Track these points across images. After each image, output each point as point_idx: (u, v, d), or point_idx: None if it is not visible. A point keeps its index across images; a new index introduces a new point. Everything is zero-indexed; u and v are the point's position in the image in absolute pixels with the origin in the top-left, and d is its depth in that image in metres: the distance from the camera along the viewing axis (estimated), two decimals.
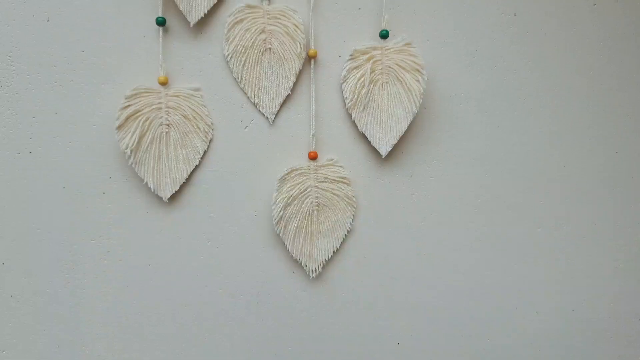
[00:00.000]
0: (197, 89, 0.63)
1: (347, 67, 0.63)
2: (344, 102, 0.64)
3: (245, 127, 0.64)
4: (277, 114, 0.64)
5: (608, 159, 0.69)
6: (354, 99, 0.63)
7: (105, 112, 0.62)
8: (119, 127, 0.60)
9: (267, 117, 0.64)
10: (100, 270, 0.63)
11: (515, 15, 0.66)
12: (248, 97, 0.64)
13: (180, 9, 0.60)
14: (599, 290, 0.70)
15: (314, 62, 0.64)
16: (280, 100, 0.64)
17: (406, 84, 0.63)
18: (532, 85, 0.67)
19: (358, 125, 0.63)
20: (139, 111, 0.61)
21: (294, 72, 0.63)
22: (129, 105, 0.61)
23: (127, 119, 0.60)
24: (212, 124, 0.64)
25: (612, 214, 0.70)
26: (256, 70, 0.63)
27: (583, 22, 0.67)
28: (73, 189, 0.62)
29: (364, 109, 0.63)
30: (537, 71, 0.67)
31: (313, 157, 0.64)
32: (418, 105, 0.62)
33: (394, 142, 0.63)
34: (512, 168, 0.68)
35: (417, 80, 0.62)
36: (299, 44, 0.62)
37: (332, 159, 0.65)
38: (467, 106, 0.66)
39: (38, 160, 0.62)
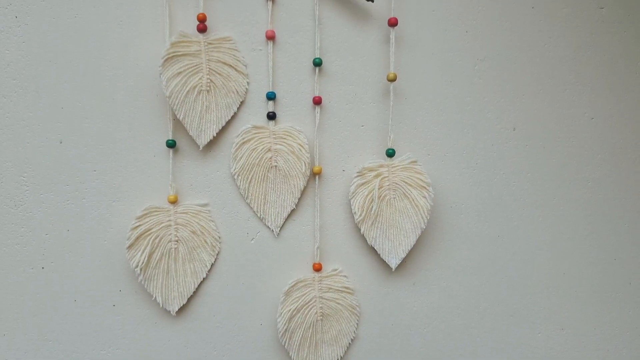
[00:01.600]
0: (205, 205, 0.65)
1: (355, 184, 0.65)
2: (349, 215, 0.66)
3: (252, 240, 0.66)
4: (282, 227, 0.66)
5: (606, 266, 0.71)
6: (363, 214, 0.65)
7: (116, 228, 0.64)
8: (130, 247, 0.62)
9: (273, 230, 0.66)
10: None
11: (514, 129, 0.68)
12: (254, 212, 0.65)
13: (190, 134, 0.62)
14: None
15: (319, 177, 0.65)
16: (285, 214, 0.66)
17: (413, 200, 0.65)
18: (531, 196, 0.69)
19: (367, 239, 0.65)
20: (149, 230, 0.63)
21: (299, 188, 0.65)
22: (139, 225, 0.62)
23: (137, 238, 0.62)
24: (219, 237, 0.65)
25: (612, 320, 0.71)
26: (262, 186, 0.65)
27: (581, 135, 0.69)
28: (84, 302, 0.64)
29: (372, 223, 0.65)
30: (536, 183, 0.69)
31: (317, 268, 0.66)
32: (426, 220, 0.64)
33: (404, 255, 0.65)
34: (512, 276, 0.69)
35: (424, 197, 0.64)
36: (303, 163, 0.64)
37: (336, 269, 0.67)
38: (468, 216, 0.68)
39: (50, 275, 0.64)
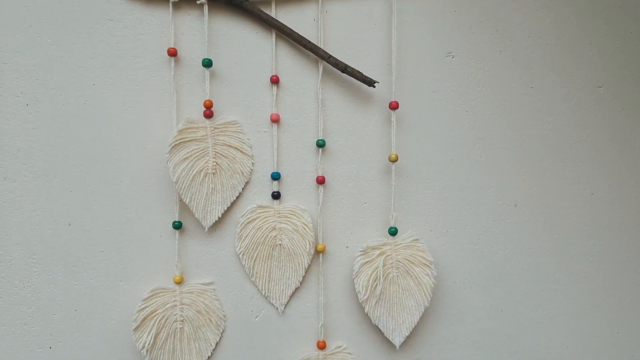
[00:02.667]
0: (210, 284, 0.66)
1: (359, 262, 0.66)
2: (353, 292, 0.66)
3: (256, 317, 0.67)
4: (286, 305, 0.67)
5: (609, 339, 0.71)
6: (367, 294, 0.65)
7: (122, 307, 0.65)
8: (136, 329, 0.63)
9: (277, 308, 0.67)
10: None
11: (515, 206, 0.69)
12: (259, 289, 0.66)
13: (196, 216, 0.63)
14: None
15: (322, 255, 0.66)
16: (289, 292, 0.67)
17: (416, 277, 0.66)
18: (533, 271, 0.70)
19: (371, 318, 0.66)
20: (155, 311, 0.64)
21: (303, 266, 0.66)
22: (145, 307, 0.63)
23: (144, 319, 0.63)
24: (224, 316, 0.66)
25: None
26: (267, 264, 0.66)
27: (581, 210, 0.70)
28: None
29: (376, 302, 0.66)
30: (537, 257, 0.70)
31: (322, 346, 0.66)
32: (429, 298, 0.65)
33: (407, 333, 0.66)
34: (515, 350, 0.70)
35: (427, 275, 0.65)
36: (308, 242, 0.65)
37: (340, 346, 0.67)
38: (471, 292, 0.69)
39: (58, 356, 0.65)
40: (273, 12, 0.64)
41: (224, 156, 0.64)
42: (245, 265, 0.66)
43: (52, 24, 0.62)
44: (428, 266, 0.66)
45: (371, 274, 0.65)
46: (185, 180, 0.63)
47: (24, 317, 0.64)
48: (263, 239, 0.66)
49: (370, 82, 0.64)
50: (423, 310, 0.66)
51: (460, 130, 0.68)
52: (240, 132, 0.65)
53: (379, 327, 0.66)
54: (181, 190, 0.62)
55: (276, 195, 0.66)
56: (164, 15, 0.63)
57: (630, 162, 0.70)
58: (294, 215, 0.66)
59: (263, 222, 0.66)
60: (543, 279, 0.70)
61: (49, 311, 0.65)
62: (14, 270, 0.64)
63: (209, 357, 0.66)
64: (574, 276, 0.70)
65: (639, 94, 0.70)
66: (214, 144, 0.64)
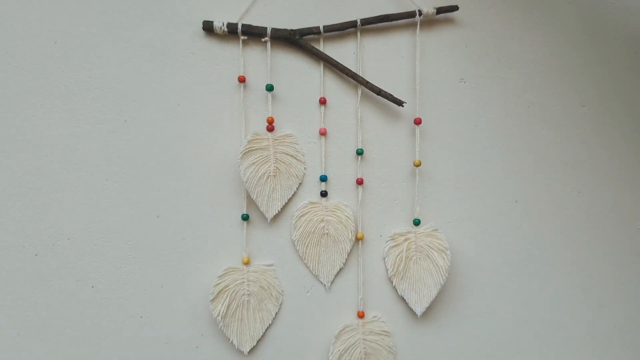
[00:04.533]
0: (271, 265, 0.82)
1: (388, 246, 0.82)
2: (386, 272, 0.82)
3: (308, 293, 0.83)
4: (332, 282, 0.83)
5: (597, 311, 0.87)
6: (394, 271, 0.81)
7: (200, 284, 0.80)
8: (213, 300, 0.79)
9: (325, 285, 0.83)
10: None
11: (516, 202, 0.85)
12: (310, 270, 0.82)
13: (260, 209, 0.79)
14: None
15: (361, 242, 0.82)
16: (335, 272, 0.82)
17: (434, 260, 0.81)
18: (531, 256, 0.85)
19: (398, 291, 0.82)
20: (227, 286, 0.80)
21: (346, 251, 0.82)
22: (220, 282, 0.79)
23: (219, 293, 0.79)
24: (282, 291, 0.82)
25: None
26: (317, 249, 0.82)
27: (570, 206, 0.86)
28: (173, 345, 0.80)
29: (402, 278, 0.82)
30: (535, 245, 0.85)
31: (361, 315, 0.82)
32: (445, 278, 0.81)
33: (427, 304, 0.81)
34: (516, 320, 0.86)
35: (443, 259, 0.81)
36: (350, 231, 0.81)
37: (376, 316, 0.83)
38: (480, 272, 0.85)
39: (147, 323, 0.80)
40: (321, 47, 0.80)
41: (282, 162, 0.81)
42: (299, 250, 0.82)
43: (145, 56, 0.77)
44: (444, 251, 0.82)
45: (397, 254, 0.81)
46: (253, 181, 0.79)
47: (120, 292, 0.80)
48: (313, 229, 0.82)
49: (400, 103, 0.80)
50: (440, 288, 0.81)
51: (471, 141, 0.84)
52: (295, 143, 0.81)
53: (404, 298, 0.82)
54: (249, 188, 0.78)
55: (324, 194, 0.82)
56: (234, 50, 0.80)
57: (609, 166, 0.87)
58: (339, 209, 0.82)
59: (313, 215, 0.82)
60: (539, 262, 0.86)
61: (140, 287, 0.80)
62: (113, 255, 0.80)
63: (269, 325, 0.82)
64: (564, 258, 0.86)
65: (615, 113, 0.86)
66: (274, 152, 0.80)
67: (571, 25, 0.84)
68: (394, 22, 0.79)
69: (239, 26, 0.77)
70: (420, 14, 0.79)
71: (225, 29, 0.77)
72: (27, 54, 0.75)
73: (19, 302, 0.77)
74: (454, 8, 0.79)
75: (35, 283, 0.78)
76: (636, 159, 0.86)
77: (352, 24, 0.78)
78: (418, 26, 0.80)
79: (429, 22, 0.81)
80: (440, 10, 0.79)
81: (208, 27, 0.77)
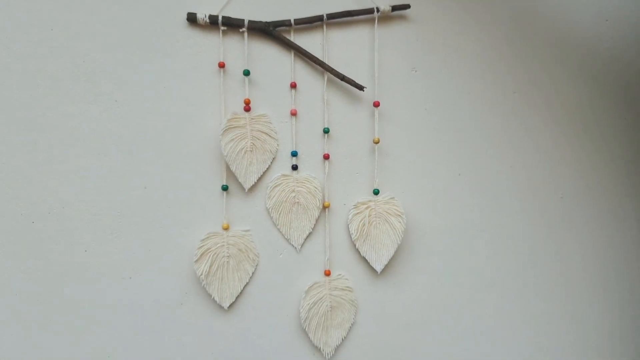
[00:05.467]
0: (248, 230, 0.93)
1: (352, 213, 0.94)
2: (349, 236, 0.95)
3: (280, 255, 0.94)
4: (302, 245, 0.94)
5: (541, 269, 1.02)
6: (357, 234, 0.94)
7: (184, 247, 0.90)
8: (196, 261, 0.89)
9: (296, 247, 0.94)
10: (178, 359, 0.91)
11: (460, 174, 0.99)
12: (282, 234, 0.94)
13: (239, 180, 0.90)
14: None
15: (328, 210, 0.95)
16: (304, 236, 0.94)
17: (392, 224, 0.94)
18: (473, 221, 1.00)
19: (360, 252, 0.94)
20: (209, 249, 0.90)
21: (315, 217, 0.94)
22: (203, 245, 0.90)
23: (202, 255, 0.89)
24: (258, 254, 0.93)
25: (572, 316, 1.02)
26: (288, 216, 0.93)
27: (505, 179, 1.01)
28: (160, 302, 0.90)
29: (364, 240, 0.94)
30: (475, 211, 1.00)
31: (327, 274, 0.94)
32: (401, 239, 0.93)
33: (385, 263, 0.94)
34: (460, 274, 1.00)
35: (399, 222, 0.94)
36: (317, 200, 0.93)
37: (340, 274, 0.95)
38: (430, 235, 0.98)
39: (136, 283, 0.89)
40: (292, 37, 0.92)
41: (258, 139, 0.92)
42: (273, 217, 0.93)
43: (134, 43, 0.86)
44: (400, 216, 0.95)
45: (360, 220, 0.94)
46: (232, 155, 0.89)
47: (111, 255, 0.89)
48: (285, 198, 0.93)
49: (361, 87, 0.92)
50: (396, 247, 0.94)
51: (422, 122, 0.97)
52: (269, 122, 0.92)
53: (366, 258, 0.95)
54: (229, 161, 0.89)
55: (295, 167, 0.93)
56: (215, 39, 0.90)
57: (537, 143, 1.02)
58: (308, 181, 0.93)
59: (285, 186, 0.93)
60: (480, 226, 1.00)
61: (130, 251, 0.89)
62: (104, 222, 0.88)
63: (247, 283, 0.93)
64: (499, 223, 1.01)
65: (541, 98, 1.01)
66: (251, 130, 0.91)
67: (505, 23, 0.98)
68: (355, 17, 0.92)
69: (220, 18, 0.87)
70: (377, 10, 0.91)
71: (207, 20, 0.87)
72: (26, 40, 0.83)
73: (17, 266, 0.85)
74: (407, 6, 0.92)
75: (32, 248, 0.86)
76: (561, 136, 1.01)
77: (319, 18, 0.90)
78: (376, 21, 0.92)
79: (385, 18, 0.93)
80: (395, 8, 0.92)
81: (192, 18, 0.87)
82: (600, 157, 1.02)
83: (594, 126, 1.01)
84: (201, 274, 0.88)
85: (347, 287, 0.94)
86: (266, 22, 0.88)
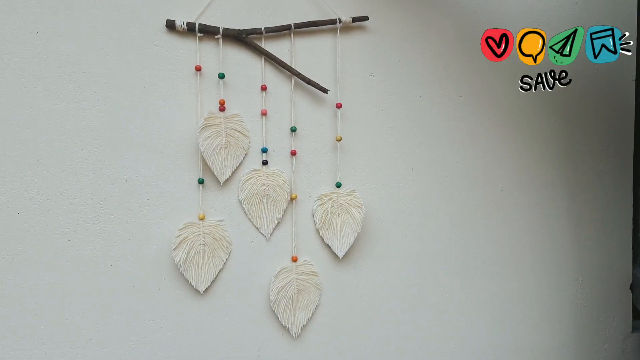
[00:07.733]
0: (222, 220, 1.01)
1: (316, 204, 1.04)
2: (314, 225, 1.05)
3: (252, 242, 1.03)
4: (271, 234, 1.04)
5: (473, 241, 1.15)
6: (321, 223, 1.04)
7: (162, 237, 0.97)
8: (175, 249, 0.97)
9: (265, 236, 1.03)
10: (157, 340, 0.98)
11: (412, 169, 1.11)
12: (253, 224, 1.02)
13: (215, 174, 0.99)
14: None
15: (295, 201, 1.04)
16: (273, 225, 1.03)
17: (352, 214, 1.05)
18: (425, 211, 1.12)
19: (324, 239, 1.04)
20: (187, 237, 0.98)
21: (283, 208, 1.03)
22: (180, 235, 0.98)
23: (180, 243, 0.97)
24: (231, 242, 1.02)
25: (513, 289, 1.16)
26: (259, 207, 1.02)
27: (451, 174, 1.14)
28: (139, 287, 0.97)
29: (327, 229, 1.04)
30: (426, 203, 1.12)
31: (294, 260, 1.04)
32: (360, 228, 1.04)
33: (347, 249, 1.05)
34: (416, 260, 1.11)
35: (359, 213, 1.05)
36: (285, 192, 1.03)
37: (306, 260, 1.05)
38: (387, 224, 1.09)
39: (117, 270, 0.96)
40: (263, 44, 1.01)
41: (232, 136, 1.00)
42: (245, 208, 1.02)
43: (116, 46, 0.92)
44: (360, 207, 1.05)
45: (324, 211, 1.04)
46: (208, 151, 0.97)
47: (93, 244, 0.95)
48: (256, 191, 1.02)
49: (324, 90, 1.03)
50: (356, 235, 1.05)
51: (379, 122, 1.08)
52: (242, 121, 1.01)
53: (329, 245, 1.05)
54: (206, 157, 0.97)
55: (265, 163, 1.02)
56: (192, 44, 0.98)
57: (479, 140, 1.15)
58: (277, 175, 1.03)
59: (256, 180, 1.02)
60: (430, 215, 1.12)
61: (111, 240, 0.96)
62: (87, 213, 0.94)
63: (221, 269, 1.01)
64: (446, 212, 1.14)
65: (483, 101, 1.15)
66: (225, 128, 0.99)
67: (450, 34, 1.11)
68: (319, 27, 1.02)
69: (197, 25, 0.95)
70: (340, 21, 1.02)
71: (185, 27, 0.95)
72: (12, 43, 0.88)
73: (3, 255, 0.90)
74: (365, 18, 1.04)
75: (18, 238, 0.91)
76: (499, 136, 1.15)
77: (287, 27, 1.00)
78: (338, 31, 1.03)
79: (346, 28, 1.04)
80: (355, 19, 1.03)
81: (170, 25, 0.95)
82: (533, 155, 1.16)
83: (527, 127, 1.16)
84: (179, 261, 0.95)
85: (312, 271, 1.04)
86: (239, 29, 0.97)
